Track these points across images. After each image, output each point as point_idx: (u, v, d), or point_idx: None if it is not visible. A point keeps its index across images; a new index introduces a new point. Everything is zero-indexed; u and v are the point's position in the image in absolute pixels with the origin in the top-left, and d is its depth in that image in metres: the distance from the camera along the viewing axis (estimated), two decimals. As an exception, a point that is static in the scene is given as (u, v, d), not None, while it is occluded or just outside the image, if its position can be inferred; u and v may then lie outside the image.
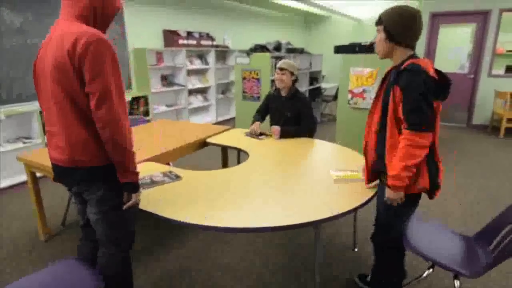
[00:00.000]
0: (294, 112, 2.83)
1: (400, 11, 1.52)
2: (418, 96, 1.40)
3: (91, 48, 1.21)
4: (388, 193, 1.53)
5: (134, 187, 1.41)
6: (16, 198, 3.35)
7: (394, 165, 1.46)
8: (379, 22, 1.58)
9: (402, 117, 1.45)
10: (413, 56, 1.55)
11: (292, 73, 2.82)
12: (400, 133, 1.48)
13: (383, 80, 1.69)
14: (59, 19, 1.33)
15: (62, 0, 1.32)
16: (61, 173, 1.41)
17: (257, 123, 2.85)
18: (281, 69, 2.80)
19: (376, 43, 1.62)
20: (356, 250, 2.42)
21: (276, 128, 2.76)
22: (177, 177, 1.90)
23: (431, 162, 1.51)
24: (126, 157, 1.32)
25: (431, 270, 1.74)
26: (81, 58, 1.21)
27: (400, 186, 1.46)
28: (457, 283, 1.57)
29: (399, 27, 1.52)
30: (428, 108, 1.41)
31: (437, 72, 1.48)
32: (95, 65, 1.21)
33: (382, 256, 1.82)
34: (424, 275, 1.71)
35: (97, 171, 1.36)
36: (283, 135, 2.74)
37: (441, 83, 1.46)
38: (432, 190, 1.54)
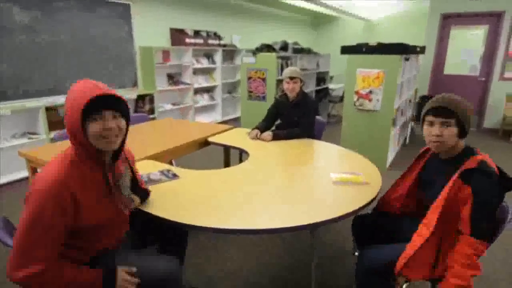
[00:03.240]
0: (300, 117, 2.80)
1: (464, 101, 1.39)
2: (494, 204, 1.30)
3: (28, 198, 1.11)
4: None
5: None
6: (20, 195, 3.38)
7: (460, 273, 1.25)
8: (448, 113, 1.37)
9: (464, 218, 1.30)
10: (469, 147, 1.44)
11: (301, 80, 2.80)
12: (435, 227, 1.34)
13: (419, 157, 1.66)
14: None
15: None
16: None
17: (256, 131, 2.76)
18: (292, 78, 2.75)
19: (444, 138, 1.39)
20: (356, 254, 2.37)
21: (266, 135, 2.69)
22: (175, 176, 1.89)
23: None
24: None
25: (408, 282, 1.68)
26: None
27: None
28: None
29: (469, 119, 1.39)
30: (495, 216, 1.33)
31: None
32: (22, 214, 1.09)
33: None
34: (404, 286, 1.65)
35: None
36: (275, 138, 2.69)
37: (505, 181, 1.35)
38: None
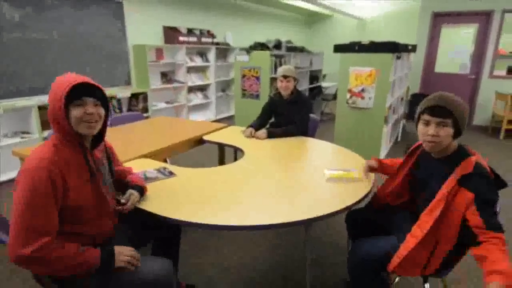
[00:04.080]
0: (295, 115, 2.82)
1: (461, 100, 1.36)
2: (494, 204, 1.30)
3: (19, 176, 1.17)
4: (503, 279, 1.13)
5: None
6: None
7: (502, 260, 1.15)
8: (446, 113, 1.33)
9: (476, 223, 1.25)
10: (462, 147, 1.42)
11: (294, 78, 2.82)
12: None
13: (411, 152, 1.63)
14: None
15: None
16: None
17: (251, 129, 2.78)
18: (285, 76, 2.77)
19: (440, 139, 1.36)
20: (350, 248, 2.41)
21: (261, 134, 2.70)
22: (171, 174, 1.90)
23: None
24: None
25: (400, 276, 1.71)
26: None
27: None
28: (427, 286, 1.56)
29: (465, 120, 1.35)
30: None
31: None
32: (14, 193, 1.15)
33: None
34: (397, 280, 1.67)
35: None
36: (270, 136, 2.71)
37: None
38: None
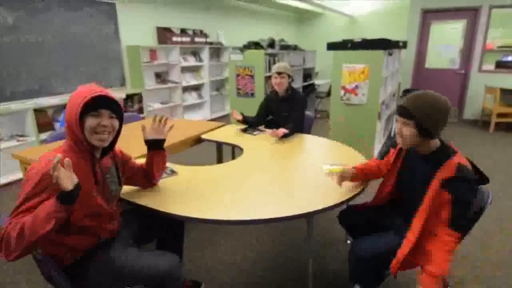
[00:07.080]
0: (291, 113, 2.87)
1: (433, 104, 1.37)
2: (471, 205, 1.37)
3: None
4: (429, 284, 1.33)
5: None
6: (10, 197, 3.36)
7: (442, 260, 1.34)
8: (407, 115, 1.40)
9: (443, 220, 1.36)
10: (444, 144, 1.46)
11: (289, 75, 2.86)
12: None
13: (398, 155, 1.65)
14: None
15: None
16: None
17: (236, 111, 2.90)
18: (279, 73, 2.82)
19: (404, 137, 1.45)
20: (348, 242, 2.48)
21: (279, 132, 2.58)
22: (173, 172, 1.94)
23: None
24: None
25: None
26: None
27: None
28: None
29: (433, 122, 1.38)
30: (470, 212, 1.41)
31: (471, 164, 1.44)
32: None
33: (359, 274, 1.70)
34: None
35: None
36: (283, 137, 2.64)
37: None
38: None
